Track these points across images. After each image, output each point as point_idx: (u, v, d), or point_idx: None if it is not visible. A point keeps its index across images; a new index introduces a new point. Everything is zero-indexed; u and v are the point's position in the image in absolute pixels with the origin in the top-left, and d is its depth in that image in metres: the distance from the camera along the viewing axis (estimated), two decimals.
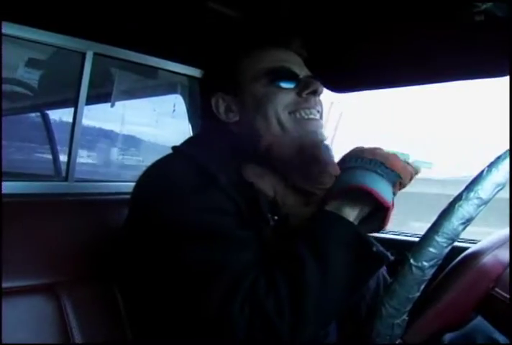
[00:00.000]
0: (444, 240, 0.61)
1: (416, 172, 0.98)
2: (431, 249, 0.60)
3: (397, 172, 0.92)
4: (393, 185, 0.92)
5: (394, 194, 0.93)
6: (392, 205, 0.91)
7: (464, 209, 0.61)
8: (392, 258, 0.87)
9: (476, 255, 0.90)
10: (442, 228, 0.61)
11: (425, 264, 0.62)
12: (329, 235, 0.87)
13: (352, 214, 0.90)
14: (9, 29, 1.15)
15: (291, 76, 1.04)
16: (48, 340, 1.00)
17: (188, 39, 1.36)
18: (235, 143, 1.02)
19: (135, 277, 0.98)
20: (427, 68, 1.35)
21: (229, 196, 0.92)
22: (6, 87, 1.64)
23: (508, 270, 0.84)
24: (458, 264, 0.92)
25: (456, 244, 0.68)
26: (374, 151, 0.96)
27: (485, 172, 0.62)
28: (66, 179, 1.36)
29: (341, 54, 1.44)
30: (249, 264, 0.84)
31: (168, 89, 1.87)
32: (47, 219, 1.13)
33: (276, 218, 0.97)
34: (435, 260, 0.59)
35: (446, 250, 0.62)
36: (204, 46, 1.27)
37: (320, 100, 1.07)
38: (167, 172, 0.96)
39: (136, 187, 0.99)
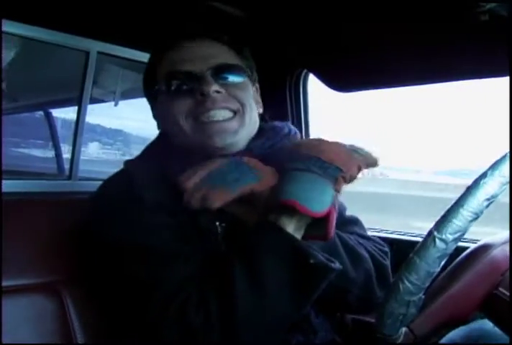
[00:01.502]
0: (468, 213, 0.60)
1: (371, 163, 0.88)
2: (456, 222, 0.59)
3: (336, 165, 0.82)
4: (335, 181, 0.82)
5: (337, 191, 0.83)
6: (334, 207, 0.82)
7: (489, 186, 0.61)
8: (339, 267, 0.82)
9: (487, 247, 0.89)
10: (467, 202, 0.61)
11: (449, 236, 0.61)
12: (262, 246, 0.82)
13: (290, 225, 0.82)
14: (13, 27, 1.15)
15: (187, 79, 0.95)
16: (50, 338, 1.00)
17: None
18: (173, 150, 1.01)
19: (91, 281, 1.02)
20: (430, 68, 1.35)
21: (163, 211, 0.91)
22: None
23: None
24: (469, 254, 0.91)
25: (460, 243, 0.68)
26: (310, 144, 0.88)
27: (507, 154, 0.63)
28: (70, 177, 1.36)
29: (345, 54, 1.44)
30: (184, 280, 0.83)
31: None
32: (49, 217, 1.13)
33: (224, 225, 0.94)
34: (459, 233, 0.59)
35: (471, 225, 0.61)
36: None
37: (233, 95, 0.96)
38: (105, 190, 1.00)
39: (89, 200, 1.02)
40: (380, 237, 1.63)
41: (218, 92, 0.94)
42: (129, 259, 0.88)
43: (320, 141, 0.88)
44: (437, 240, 0.61)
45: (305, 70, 1.56)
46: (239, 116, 0.97)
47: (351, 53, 1.43)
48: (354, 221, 1.20)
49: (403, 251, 0.82)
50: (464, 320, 0.84)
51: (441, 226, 0.58)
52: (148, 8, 1.18)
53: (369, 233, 1.50)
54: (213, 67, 0.95)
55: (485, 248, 0.89)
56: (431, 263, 0.66)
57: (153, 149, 1.06)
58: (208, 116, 0.94)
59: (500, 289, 0.83)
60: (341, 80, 1.58)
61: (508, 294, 0.81)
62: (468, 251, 0.92)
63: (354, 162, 0.85)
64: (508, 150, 0.64)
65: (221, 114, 0.95)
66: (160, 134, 1.08)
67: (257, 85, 1.08)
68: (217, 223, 0.93)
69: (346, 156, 0.85)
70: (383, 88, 1.61)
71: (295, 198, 0.79)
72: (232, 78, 0.98)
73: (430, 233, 0.63)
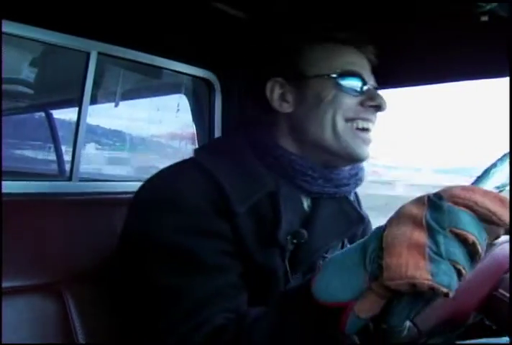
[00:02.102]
0: None
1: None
2: None
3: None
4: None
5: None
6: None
7: (498, 175, 0.62)
8: None
9: (490, 244, 0.89)
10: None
11: None
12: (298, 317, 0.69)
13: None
14: (13, 28, 1.15)
15: (360, 83, 0.98)
16: (51, 339, 1.00)
17: (193, 40, 1.36)
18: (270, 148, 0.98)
19: (121, 281, 0.97)
20: (428, 68, 1.35)
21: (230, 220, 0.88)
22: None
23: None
24: None
25: None
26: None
27: None
28: (70, 178, 1.36)
29: None
30: (210, 297, 0.81)
31: (172, 89, 1.87)
32: (50, 219, 1.13)
33: (295, 241, 0.91)
34: None
35: None
36: (209, 46, 1.27)
37: (377, 117, 1.01)
38: (170, 182, 0.92)
39: (138, 190, 0.96)
40: None
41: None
42: (163, 262, 0.85)
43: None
44: None
45: None
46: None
47: None
48: None
49: None
50: (465, 319, 0.84)
51: None
52: (149, 9, 1.18)
53: None
54: (375, 87, 1.02)
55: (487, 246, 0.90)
56: None
57: (238, 143, 1.01)
58: (365, 124, 0.98)
59: (500, 290, 0.83)
60: None
61: (507, 295, 0.81)
62: None
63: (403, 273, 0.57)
64: (508, 149, 0.65)
65: (371, 127, 1.00)
66: (250, 127, 1.05)
67: None
68: (288, 238, 0.91)
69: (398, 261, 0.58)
70: (381, 88, 1.60)
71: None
72: None
73: None
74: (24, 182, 1.26)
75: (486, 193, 0.53)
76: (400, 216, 0.55)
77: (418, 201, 0.55)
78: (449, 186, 0.55)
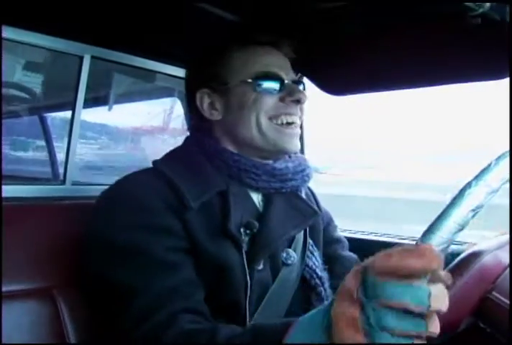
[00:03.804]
0: (454, 225, 0.60)
1: None
2: (440, 234, 0.59)
3: None
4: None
5: None
6: None
7: (474, 196, 0.60)
8: None
9: (478, 254, 0.90)
10: (452, 214, 0.61)
11: (450, 235, 0.61)
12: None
13: None
14: (6, 32, 1.14)
15: (277, 81, 1.05)
16: (44, 342, 0.99)
17: (185, 43, 1.36)
18: (214, 153, 1.04)
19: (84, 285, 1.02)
20: (424, 71, 1.35)
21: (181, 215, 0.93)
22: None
23: (504, 274, 0.85)
24: (459, 262, 0.92)
25: (454, 247, 0.68)
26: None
27: (492, 164, 0.62)
28: (64, 182, 1.35)
29: (337, 57, 1.44)
30: (166, 294, 0.84)
31: (166, 92, 1.87)
32: (43, 223, 1.12)
33: (248, 232, 0.96)
34: (444, 245, 0.59)
35: (456, 236, 0.61)
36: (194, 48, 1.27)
37: (302, 108, 1.08)
38: (126, 185, 1.00)
39: (99, 195, 1.02)
40: (369, 240, 1.64)
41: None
42: (119, 261, 0.89)
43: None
44: (434, 237, 0.61)
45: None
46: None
47: (345, 57, 1.43)
48: (341, 242, 1.30)
49: None
50: (457, 326, 0.84)
51: (427, 238, 0.58)
52: (142, 13, 1.18)
53: (358, 235, 1.53)
54: (293, 80, 1.09)
55: (474, 256, 0.90)
56: None
57: (189, 151, 1.08)
58: (289, 118, 1.04)
59: (494, 293, 0.83)
60: (336, 84, 1.59)
61: (502, 298, 0.81)
62: (458, 259, 0.92)
63: None
64: (492, 159, 0.63)
65: (297, 120, 1.06)
66: (195, 135, 1.12)
67: None
68: (241, 230, 0.96)
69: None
70: (378, 91, 1.61)
71: None
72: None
73: (416, 244, 0.63)
74: (17, 186, 1.25)
75: (400, 255, 0.54)
76: (341, 291, 0.58)
77: (355, 275, 0.57)
78: (375, 256, 0.55)
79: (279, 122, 1.04)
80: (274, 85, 1.04)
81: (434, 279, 0.55)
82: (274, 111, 1.04)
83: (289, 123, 1.05)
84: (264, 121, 1.03)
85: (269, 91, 1.04)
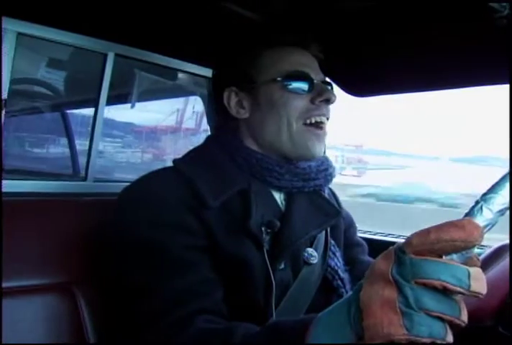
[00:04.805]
0: None
1: None
2: (503, 193, 0.59)
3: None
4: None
5: None
6: None
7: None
8: None
9: (505, 249, 0.91)
10: None
11: (496, 207, 0.60)
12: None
13: None
14: (31, 29, 1.16)
15: (307, 81, 1.04)
16: (63, 338, 1.01)
17: (208, 41, 1.36)
18: (239, 151, 1.04)
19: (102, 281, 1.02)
20: (448, 73, 1.34)
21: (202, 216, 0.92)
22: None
23: None
24: (492, 253, 0.92)
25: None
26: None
27: None
28: (85, 179, 1.37)
29: (362, 60, 1.44)
30: (181, 294, 0.84)
31: (188, 90, 1.87)
32: (65, 219, 1.14)
33: (269, 231, 0.95)
34: (505, 206, 0.59)
35: None
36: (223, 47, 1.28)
37: (329, 109, 1.07)
38: (146, 184, 0.99)
39: (119, 193, 1.01)
40: (382, 241, 1.63)
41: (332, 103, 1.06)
42: (136, 259, 0.89)
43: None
44: (484, 209, 0.61)
45: None
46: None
47: (368, 59, 1.43)
48: (361, 245, 1.28)
49: None
50: (482, 320, 0.83)
51: (489, 197, 0.58)
52: (166, 12, 1.19)
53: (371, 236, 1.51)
54: (322, 80, 1.08)
55: (507, 247, 0.90)
56: None
57: (210, 150, 1.07)
58: (319, 118, 1.03)
59: None
60: (359, 86, 1.58)
61: None
62: (490, 250, 0.92)
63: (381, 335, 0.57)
64: None
65: (325, 120, 1.05)
66: (217, 135, 1.12)
67: None
68: (262, 228, 0.95)
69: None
70: (400, 93, 1.61)
71: None
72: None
73: (477, 202, 0.63)
74: (39, 182, 1.27)
75: (439, 229, 0.53)
76: (372, 274, 0.56)
77: (386, 256, 0.56)
78: (411, 235, 0.54)
79: (308, 122, 1.03)
80: (303, 85, 1.03)
81: (471, 262, 0.54)
82: (305, 113, 1.03)
83: (318, 123, 1.04)
84: (295, 123, 1.02)
85: (298, 91, 1.03)
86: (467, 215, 0.59)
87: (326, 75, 1.11)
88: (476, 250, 0.58)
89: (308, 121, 1.03)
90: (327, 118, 1.06)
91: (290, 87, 1.03)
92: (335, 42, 1.33)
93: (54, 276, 1.06)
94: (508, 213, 0.61)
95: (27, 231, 1.04)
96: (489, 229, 0.60)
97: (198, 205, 0.93)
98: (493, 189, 0.61)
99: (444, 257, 0.53)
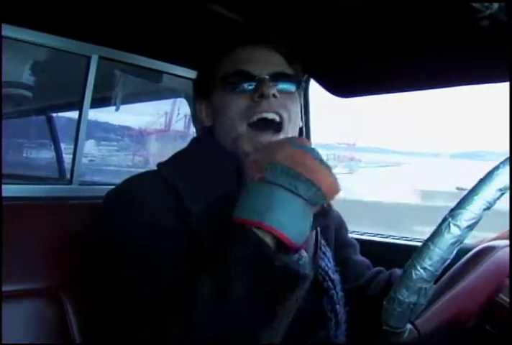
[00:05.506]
0: (482, 202, 0.61)
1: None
2: (471, 209, 0.60)
3: (323, 192, 0.78)
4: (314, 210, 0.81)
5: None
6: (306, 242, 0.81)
7: (502, 177, 0.63)
8: (311, 276, 0.83)
9: (491, 249, 0.90)
10: (481, 191, 0.62)
11: (463, 223, 0.61)
12: (237, 256, 0.78)
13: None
14: (15, 32, 1.15)
15: (247, 79, 0.98)
16: (52, 340, 1.01)
17: (192, 43, 1.36)
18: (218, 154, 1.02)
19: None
20: (432, 73, 1.35)
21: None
22: None
23: None
24: (474, 255, 0.92)
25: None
26: (288, 154, 0.79)
27: None
28: (70, 182, 1.36)
29: (347, 60, 1.44)
30: (163, 290, 0.82)
31: (173, 93, 1.87)
32: (50, 222, 1.13)
33: None
34: (473, 221, 0.60)
35: (484, 213, 0.62)
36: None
37: (283, 103, 0.99)
38: (130, 187, 0.97)
39: (104, 195, 1.00)
40: (375, 242, 1.63)
41: (275, 96, 0.96)
42: (122, 261, 0.88)
43: (295, 152, 0.80)
44: (452, 226, 0.61)
45: (306, 76, 1.57)
46: (284, 124, 0.98)
47: (353, 59, 1.43)
48: (353, 245, 1.26)
49: (398, 255, 0.82)
50: (465, 323, 0.84)
51: (456, 213, 0.58)
52: (149, 14, 1.18)
53: (365, 237, 1.51)
54: (272, 73, 0.98)
55: (489, 249, 0.90)
56: (445, 249, 0.66)
57: (192, 154, 1.06)
58: (260, 115, 0.96)
59: (501, 295, 0.82)
60: (344, 86, 1.58)
61: (508, 300, 0.81)
62: (472, 252, 0.92)
63: (335, 189, 0.80)
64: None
65: (274, 117, 0.97)
66: (199, 138, 1.12)
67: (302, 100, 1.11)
68: None
69: (330, 178, 0.79)
70: (385, 93, 1.61)
71: (279, 228, 0.76)
72: (287, 87, 1.01)
73: (445, 219, 0.63)
74: (25, 186, 1.26)
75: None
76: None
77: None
78: None
79: (251, 121, 0.97)
80: (243, 84, 0.98)
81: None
82: (246, 112, 0.97)
83: (262, 121, 0.97)
84: (239, 125, 0.98)
85: (237, 91, 0.98)
86: (434, 233, 0.60)
87: (308, 74, 1.10)
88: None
89: (250, 120, 0.97)
90: (277, 113, 0.98)
91: (230, 88, 0.98)
92: (317, 42, 1.33)
93: (40, 280, 1.06)
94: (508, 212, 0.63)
95: (12, 235, 1.03)
96: (457, 246, 0.61)
97: (180, 208, 0.92)
98: (461, 204, 0.61)
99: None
